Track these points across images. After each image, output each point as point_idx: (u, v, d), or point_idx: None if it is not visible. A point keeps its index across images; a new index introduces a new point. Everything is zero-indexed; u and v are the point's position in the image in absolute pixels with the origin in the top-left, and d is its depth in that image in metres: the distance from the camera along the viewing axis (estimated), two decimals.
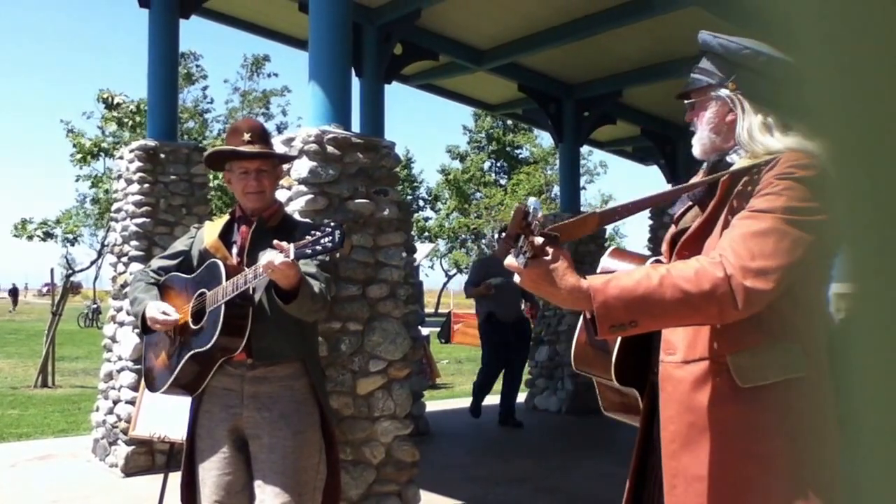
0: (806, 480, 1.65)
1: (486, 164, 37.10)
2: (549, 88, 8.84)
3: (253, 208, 2.88)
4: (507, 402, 8.25)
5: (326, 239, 2.40)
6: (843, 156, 0.47)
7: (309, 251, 2.40)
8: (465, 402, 10.34)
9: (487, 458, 6.65)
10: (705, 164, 1.91)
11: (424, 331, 9.30)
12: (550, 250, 1.53)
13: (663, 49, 7.28)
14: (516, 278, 1.57)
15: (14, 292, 45.72)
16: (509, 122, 32.89)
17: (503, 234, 7.87)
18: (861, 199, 0.46)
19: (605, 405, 2.12)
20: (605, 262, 2.00)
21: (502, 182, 36.22)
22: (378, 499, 4.25)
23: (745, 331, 1.65)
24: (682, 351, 1.76)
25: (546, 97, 8.93)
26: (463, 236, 36.25)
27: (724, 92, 1.82)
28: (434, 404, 9.08)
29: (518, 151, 36.87)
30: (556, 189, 28.04)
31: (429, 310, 31.78)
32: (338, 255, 2.64)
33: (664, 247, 2.04)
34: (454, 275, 38.97)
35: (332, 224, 2.44)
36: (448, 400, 10.43)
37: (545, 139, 32.89)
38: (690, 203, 1.91)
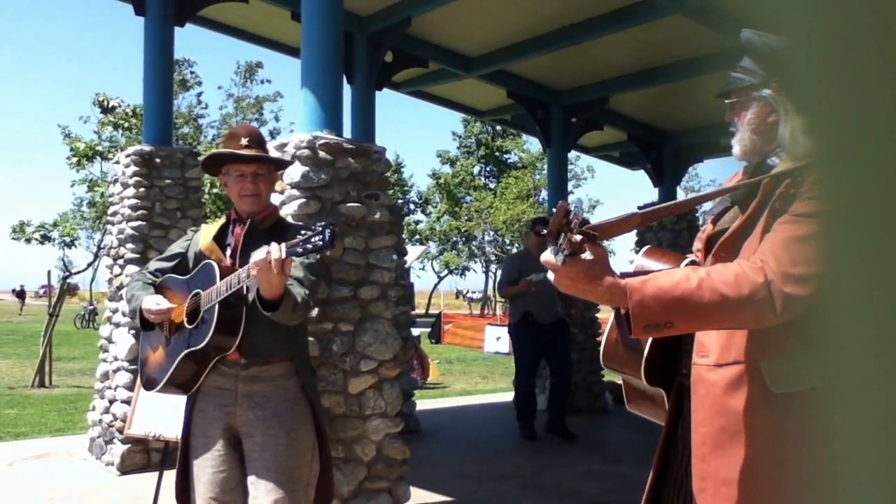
0: (837, 490, 1.62)
1: (476, 169, 37.16)
2: (538, 95, 8.86)
3: (248, 211, 2.89)
4: (556, 410, 7.47)
5: (317, 238, 2.40)
6: (845, 152, 0.47)
7: (300, 249, 2.40)
8: (456, 401, 10.37)
9: (477, 455, 6.67)
10: (746, 166, 1.87)
11: (415, 331, 9.25)
12: (588, 248, 1.49)
13: (648, 56, 7.33)
14: (550, 276, 1.53)
15: (21, 294, 44.59)
16: (498, 127, 32.95)
17: (535, 229, 7.70)
18: (865, 196, 0.46)
19: (630, 400, 2.08)
20: (640, 260, 1.96)
21: (491, 186, 36.28)
22: (369, 495, 4.26)
23: (780, 336, 1.60)
24: (715, 354, 1.73)
25: (534, 103, 8.95)
26: (454, 238, 36.27)
27: (766, 92, 1.77)
28: (425, 403, 9.08)
29: (507, 156, 36.94)
30: (545, 193, 28.11)
31: (419, 311, 31.77)
32: (328, 253, 2.64)
33: (697, 245, 2.00)
34: (445, 276, 38.99)
35: (323, 223, 2.44)
36: (439, 399, 10.45)
37: (533, 144, 32.99)
38: (729, 204, 1.87)
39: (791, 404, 1.62)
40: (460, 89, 8.98)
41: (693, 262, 1.91)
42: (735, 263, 1.58)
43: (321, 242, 2.40)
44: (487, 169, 37.62)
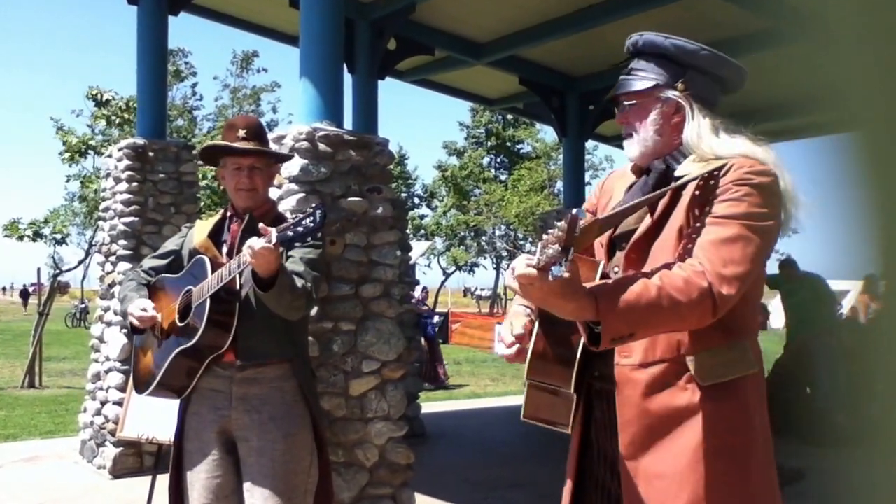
0: (772, 470, 1.81)
1: (486, 160, 37.07)
2: (552, 81, 8.80)
3: (244, 206, 2.90)
4: None
5: (308, 220, 2.40)
6: (877, 150, 0.48)
7: (291, 233, 2.41)
8: (464, 404, 10.39)
9: (485, 461, 6.69)
10: (652, 168, 1.94)
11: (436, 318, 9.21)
12: (569, 264, 1.50)
13: (684, 35, 7.26)
14: (511, 282, 1.53)
15: (25, 294, 43.25)
16: (509, 116, 32.87)
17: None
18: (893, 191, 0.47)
19: (529, 413, 2.06)
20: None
21: (502, 178, 36.19)
22: (372, 502, 4.29)
23: (706, 331, 1.72)
24: (639, 353, 1.82)
25: (549, 90, 8.88)
26: (461, 233, 36.22)
27: (673, 93, 1.88)
28: (430, 406, 9.12)
29: (519, 146, 36.83)
30: (560, 185, 28.05)
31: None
32: (319, 237, 2.64)
33: (598, 247, 2.05)
34: (452, 272, 38.95)
35: (314, 205, 2.45)
36: (446, 402, 10.48)
37: (548, 133, 32.87)
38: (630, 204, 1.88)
39: (720, 395, 1.76)
40: (468, 77, 8.95)
41: (604, 267, 1.95)
42: (679, 268, 1.66)
43: (312, 224, 2.40)
44: (498, 160, 37.52)
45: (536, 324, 1.92)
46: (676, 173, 1.86)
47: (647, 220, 1.87)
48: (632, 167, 2.05)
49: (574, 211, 1.49)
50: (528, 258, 1.49)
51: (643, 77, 1.91)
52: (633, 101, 1.94)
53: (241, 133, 2.85)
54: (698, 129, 1.84)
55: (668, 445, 1.76)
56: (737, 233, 1.68)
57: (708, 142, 1.82)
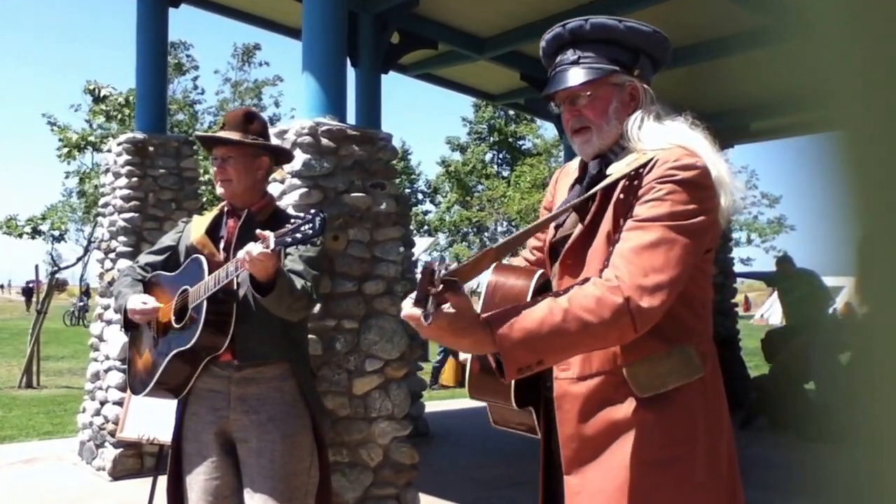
0: (717, 480, 1.72)
1: (488, 156, 37.10)
2: None
3: (226, 199, 2.91)
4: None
5: (307, 226, 2.38)
6: (861, 146, 0.47)
7: (289, 239, 2.39)
8: (468, 402, 10.36)
9: (490, 460, 6.68)
10: (588, 170, 1.87)
11: None
12: (450, 298, 1.49)
13: (676, 35, 7.24)
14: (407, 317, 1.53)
15: (28, 292, 43.54)
16: (511, 112, 32.87)
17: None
18: (878, 190, 0.46)
19: (496, 420, 2.13)
20: (491, 277, 1.93)
21: (504, 174, 36.21)
22: (376, 502, 4.27)
23: (640, 340, 1.63)
24: (576, 367, 1.76)
25: None
26: (465, 229, 36.24)
27: (628, 79, 1.79)
28: (434, 405, 9.10)
29: (521, 142, 36.85)
30: None
31: None
32: (318, 243, 2.63)
33: (535, 243, 2.07)
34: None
35: (314, 211, 2.43)
36: (449, 401, 10.46)
37: (549, 130, 32.88)
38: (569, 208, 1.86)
39: (660, 405, 1.69)
40: (471, 72, 8.94)
41: (544, 276, 1.92)
42: (592, 284, 1.58)
43: (311, 231, 2.38)
44: (500, 156, 37.54)
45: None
46: (608, 171, 1.78)
47: (580, 227, 1.80)
48: (579, 163, 1.96)
49: (433, 259, 1.47)
50: (411, 298, 1.48)
51: (595, 65, 1.77)
52: (590, 93, 1.79)
53: (222, 124, 2.87)
54: (643, 119, 1.76)
55: (608, 461, 1.70)
56: (659, 236, 1.60)
57: (646, 132, 1.74)
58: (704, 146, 1.71)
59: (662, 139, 1.72)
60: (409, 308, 1.49)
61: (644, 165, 1.68)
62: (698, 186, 1.64)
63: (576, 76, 1.78)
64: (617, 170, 1.74)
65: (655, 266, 1.57)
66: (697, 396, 1.71)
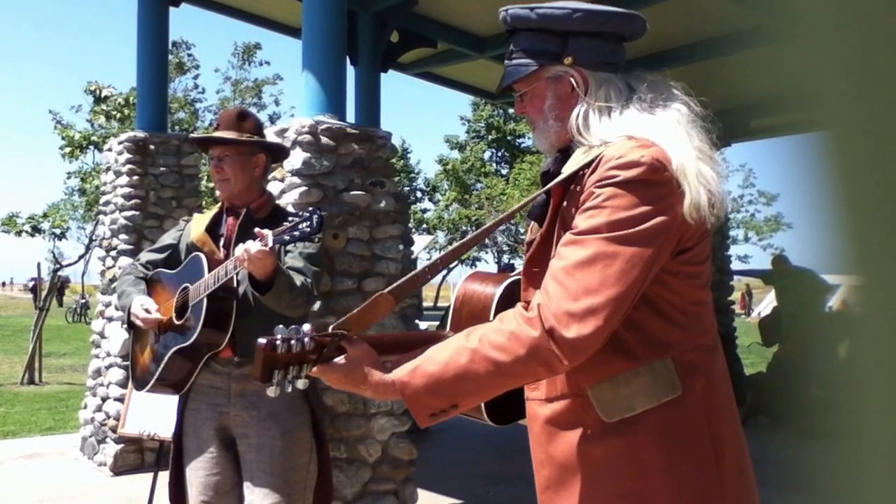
0: None
1: (487, 154, 37.09)
2: None
3: (223, 198, 2.92)
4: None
5: (305, 224, 2.39)
6: (849, 146, 0.47)
7: (287, 237, 2.40)
8: None
9: (487, 455, 6.69)
10: (545, 163, 1.72)
11: (423, 325, 9.28)
12: (346, 347, 1.45)
13: (673, 35, 7.25)
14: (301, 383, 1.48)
15: (34, 290, 43.13)
16: (510, 110, 32.84)
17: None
18: (866, 191, 0.46)
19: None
20: (465, 286, 1.86)
21: (504, 172, 36.20)
22: (374, 498, 4.28)
23: (602, 358, 1.46)
24: (543, 388, 1.61)
25: None
26: (464, 228, 36.25)
27: (560, 69, 1.59)
28: None
29: (520, 140, 36.84)
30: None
31: (428, 304, 31.81)
32: (316, 240, 2.63)
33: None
34: (454, 266, 38.99)
35: (311, 209, 2.44)
36: None
37: None
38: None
39: (628, 431, 1.49)
40: (471, 70, 8.94)
41: (513, 282, 1.80)
42: (510, 316, 1.46)
43: (309, 229, 2.39)
44: (499, 154, 37.53)
45: None
46: (563, 168, 1.57)
47: (539, 232, 1.63)
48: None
49: (263, 341, 1.38)
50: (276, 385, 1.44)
51: (524, 59, 1.62)
52: (524, 91, 1.66)
53: (216, 124, 2.88)
54: (586, 112, 1.55)
55: (579, 489, 1.54)
56: (595, 252, 1.40)
57: (594, 126, 1.54)
58: (663, 130, 1.49)
59: (612, 131, 1.52)
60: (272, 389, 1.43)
61: (588, 165, 1.48)
62: (645, 185, 1.41)
63: (508, 75, 1.65)
64: (567, 169, 1.55)
65: (589, 287, 1.38)
66: (675, 419, 1.48)
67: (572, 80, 1.59)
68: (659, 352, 1.49)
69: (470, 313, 1.77)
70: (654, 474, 1.47)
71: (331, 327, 1.44)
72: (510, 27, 1.65)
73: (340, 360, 1.45)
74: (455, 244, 1.66)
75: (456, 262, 38.82)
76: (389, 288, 1.54)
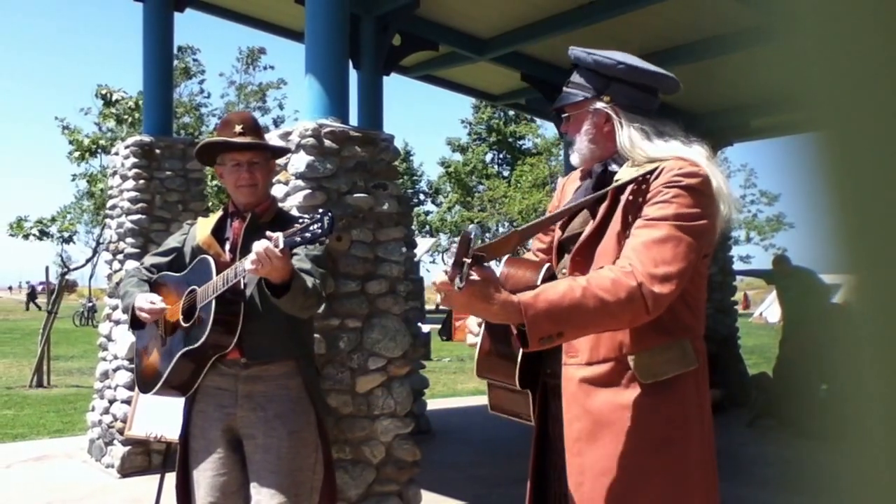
0: (710, 461, 1.90)
1: (488, 156, 37.10)
2: (554, 77, 8.73)
3: (245, 203, 2.88)
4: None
5: (316, 226, 2.39)
6: (842, 148, 0.47)
7: (298, 239, 2.39)
8: (469, 401, 10.37)
9: (491, 457, 6.67)
10: (592, 172, 2.06)
11: (425, 328, 9.28)
12: (475, 271, 1.61)
13: (675, 34, 7.23)
14: (439, 297, 1.65)
15: (32, 293, 42.13)
16: (511, 112, 32.86)
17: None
18: (860, 192, 0.46)
19: (494, 405, 2.30)
20: (503, 269, 2.11)
21: (505, 174, 36.20)
22: (378, 499, 4.27)
23: (645, 332, 1.82)
24: (585, 353, 1.92)
25: (550, 86, 8.82)
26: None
27: (600, 105, 1.99)
28: (436, 403, 9.09)
29: (521, 142, 36.85)
30: (561, 180, 27.99)
31: (430, 306, 31.80)
32: (325, 241, 2.63)
33: (538, 245, 2.27)
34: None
35: (322, 211, 2.43)
36: (451, 399, 10.46)
37: (549, 129, 32.87)
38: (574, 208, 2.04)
39: (661, 391, 1.84)
40: (472, 73, 8.94)
41: (551, 270, 2.10)
42: (608, 269, 1.74)
43: (320, 230, 2.38)
44: (500, 156, 37.55)
45: (483, 324, 2.09)
46: (616, 176, 1.94)
47: (591, 225, 1.96)
48: (580, 170, 2.18)
49: (470, 228, 1.59)
50: (444, 269, 1.61)
51: (575, 90, 2.03)
52: (568, 114, 2.06)
53: (238, 129, 2.83)
54: (629, 135, 1.93)
55: (612, 441, 1.84)
56: (666, 233, 1.75)
57: (640, 146, 1.91)
58: (703, 160, 1.86)
59: (664, 152, 1.87)
60: (441, 276, 1.61)
61: (651, 172, 1.83)
62: (701, 193, 1.79)
63: (560, 99, 2.07)
64: (626, 174, 1.89)
65: (665, 258, 1.71)
66: (691, 386, 1.87)
67: (608, 114, 1.97)
68: (683, 333, 1.88)
69: (514, 287, 1.93)
70: (676, 426, 1.84)
71: (471, 251, 1.60)
72: (573, 63, 2.08)
73: (474, 276, 1.61)
74: (548, 215, 1.99)
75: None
76: (522, 227, 1.82)
